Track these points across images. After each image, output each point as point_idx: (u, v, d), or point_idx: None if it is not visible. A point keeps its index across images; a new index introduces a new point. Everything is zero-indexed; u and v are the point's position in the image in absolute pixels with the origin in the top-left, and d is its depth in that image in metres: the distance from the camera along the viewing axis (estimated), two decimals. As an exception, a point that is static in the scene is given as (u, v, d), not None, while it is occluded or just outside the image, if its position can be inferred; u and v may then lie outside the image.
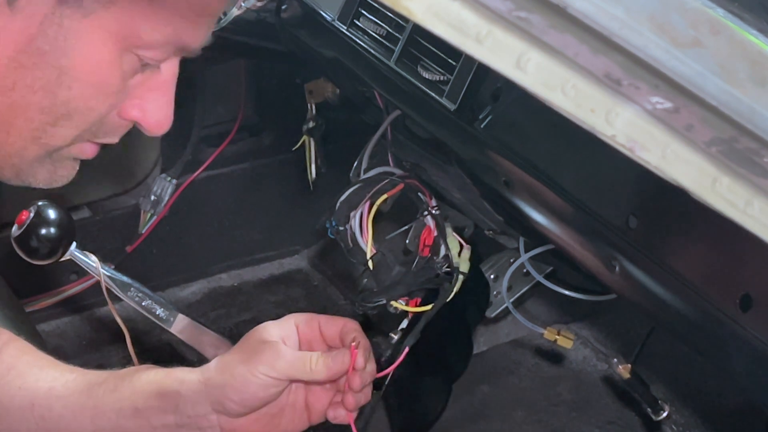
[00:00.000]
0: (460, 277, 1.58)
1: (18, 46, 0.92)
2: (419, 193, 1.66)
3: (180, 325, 1.55)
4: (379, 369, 1.28)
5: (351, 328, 1.25)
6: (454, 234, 1.62)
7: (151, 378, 1.24)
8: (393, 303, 1.60)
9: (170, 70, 1.01)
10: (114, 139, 1.03)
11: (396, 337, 1.63)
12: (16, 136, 0.97)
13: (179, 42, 0.98)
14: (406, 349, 1.48)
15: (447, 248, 1.59)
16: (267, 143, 2.62)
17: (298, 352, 1.22)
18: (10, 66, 0.93)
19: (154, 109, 1.01)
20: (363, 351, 1.22)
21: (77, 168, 1.05)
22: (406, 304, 1.60)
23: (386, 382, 1.53)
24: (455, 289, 1.57)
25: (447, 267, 1.59)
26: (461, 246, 1.61)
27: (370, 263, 1.62)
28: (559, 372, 2.35)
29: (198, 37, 0.99)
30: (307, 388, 1.26)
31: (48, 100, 0.95)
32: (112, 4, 0.92)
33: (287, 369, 1.20)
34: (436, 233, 1.61)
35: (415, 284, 1.60)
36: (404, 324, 1.63)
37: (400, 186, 1.66)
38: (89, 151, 1.03)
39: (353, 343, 1.22)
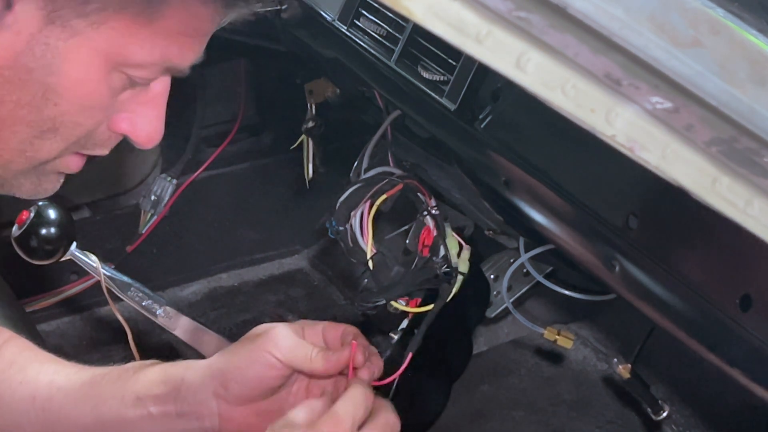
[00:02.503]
0: (459, 277, 1.58)
1: (3, 62, 0.91)
2: (418, 194, 1.65)
3: (180, 325, 1.55)
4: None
5: (351, 331, 1.27)
6: (454, 234, 1.62)
7: (157, 369, 1.25)
8: (393, 303, 1.60)
9: (161, 85, 1.01)
10: (104, 151, 1.03)
11: (396, 337, 1.62)
12: (2, 149, 0.97)
13: (168, 63, 0.97)
14: (410, 356, 1.48)
15: (446, 249, 1.59)
16: (267, 143, 2.62)
17: (301, 340, 1.24)
18: None
19: (144, 123, 1.01)
20: (362, 348, 1.24)
21: (61, 181, 1.05)
22: (406, 305, 1.60)
23: (393, 388, 1.53)
24: (454, 290, 1.57)
25: (446, 267, 1.59)
26: (461, 246, 1.60)
27: (370, 263, 1.62)
28: (559, 372, 2.35)
29: (187, 58, 0.99)
30: (307, 390, 1.27)
31: (34, 115, 0.95)
32: (101, 24, 0.91)
33: (290, 350, 1.21)
34: (435, 233, 1.60)
35: (414, 284, 1.59)
36: (404, 324, 1.63)
37: (399, 186, 1.66)
38: (75, 164, 1.03)
39: (353, 341, 1.24)
